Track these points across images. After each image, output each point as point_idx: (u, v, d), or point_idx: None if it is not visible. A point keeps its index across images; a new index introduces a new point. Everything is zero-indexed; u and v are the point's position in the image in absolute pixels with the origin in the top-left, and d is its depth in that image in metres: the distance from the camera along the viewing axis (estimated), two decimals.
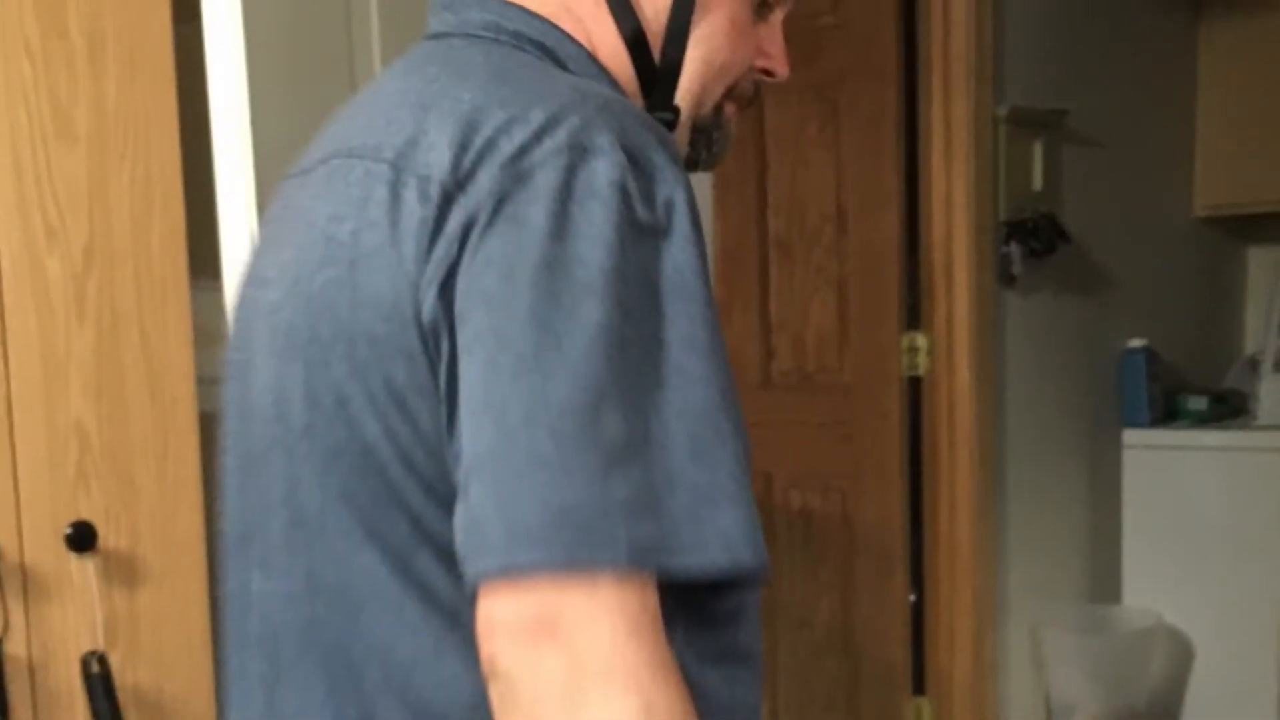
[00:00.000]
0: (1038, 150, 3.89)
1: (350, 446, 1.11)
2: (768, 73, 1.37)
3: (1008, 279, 3.79)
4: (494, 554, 0.99)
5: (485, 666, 1.00)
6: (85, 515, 2.00)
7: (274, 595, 1.21)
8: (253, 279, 1.26)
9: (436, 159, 1.08)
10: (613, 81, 1.26)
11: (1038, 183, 3.90)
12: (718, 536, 1.01)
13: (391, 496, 1.10)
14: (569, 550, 0.98)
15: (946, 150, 3.60)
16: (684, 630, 1.09)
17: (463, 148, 1.07)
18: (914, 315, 3.69)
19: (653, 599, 1.00)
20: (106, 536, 2.02)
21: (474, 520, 1.01)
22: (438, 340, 1.06)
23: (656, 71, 1.28)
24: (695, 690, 1.07)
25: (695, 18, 1.28)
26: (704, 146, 1.34)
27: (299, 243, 1.17)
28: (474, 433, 1.02)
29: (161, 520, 2.09)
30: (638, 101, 1.27)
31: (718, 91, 1.32)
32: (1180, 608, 4.28)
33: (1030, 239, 3.80)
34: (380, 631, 1.13)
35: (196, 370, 2.11)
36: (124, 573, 2.05)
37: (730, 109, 1.35)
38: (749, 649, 1.19)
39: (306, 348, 1.14)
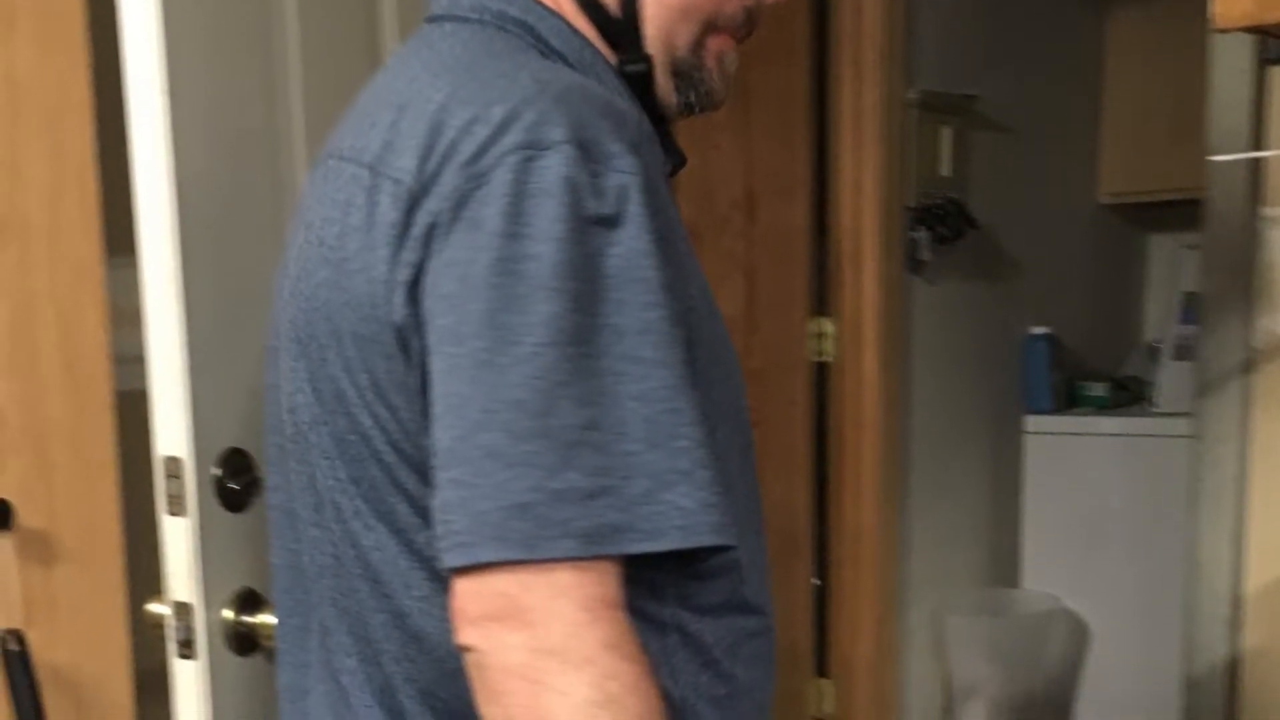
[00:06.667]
0: (947, 135, 3.90)
1: (351, 436, 1.20)
2: None
3: (915, 265, 3.80)
4: (459, 549, 1.06)
5: (460, 649, 1.08)
6: (1, 493, 1.96)
7: (314, 567, 1.31)
8: (282, 268, 1.34)
9: (405, 163, 1.13)
10: (593, 48, 1.29)
11: (946, 168, 3.90)
12: (676, 518, 1.07)
13: (391, 481, 1.18)
14: (527, 543, 1.04)
15: (856, 134, 3.59)
16: (677, 586, 1.19)
17: (428, 150, 1.12)
18: (822, 301, 3.69)
19: (612, 581, 1.07)
20: (24, 515, 1.98)
21: (442, 514, 1.07)
22: (411, 339, 1.12)
23: (616, 25, 1.30)
24: (696, 641, 1.21)
25: None
26: (690, 88, 1.35)
27: (301, 242, 1.25)
28: (440, 429, 1.08)
29: (79, 499, 2.05)
30: (612, 58, 1.31)
31: (688, 30, 1.33)
32: (1078, 592, 4.33)
33: (938, 225, 3.81)
34: (395, 605, 1.21)
35: (114, 349, 2.07)
36: (42, 551, 2.01)
37: (718, 43, 1.35)
38: (750, 599, 1.28)
39: (308, 344, 1.22)
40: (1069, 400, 4.49)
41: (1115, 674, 4.30)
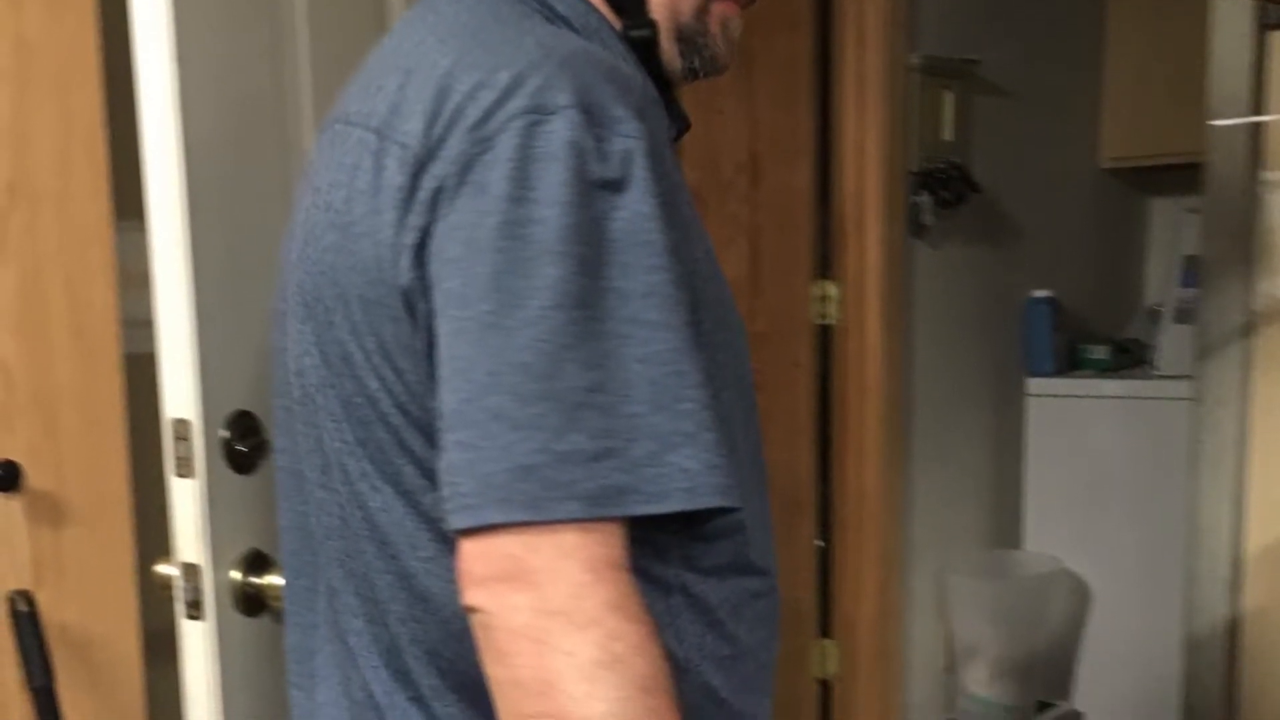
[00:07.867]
0: (949, 100, 3.89)
1: (358, 398, 1.21)
2: None
3: (918, 229, 3.80)
4: (466, 511, 1.06)
5: (465, 610, 1.08)
6: (10, 455, 1.97)
7: (321, 529, 1.32)
8: (289, 231, 1.34)
9: (412, 127, 1.14)
10: (598, 13, 1.30)
11: (948, 133, 3.90)
12: (681, 480, 1.07)
13: (397, 443, 1.19)
14: (533, 505, 1.04)
15: (859, 99, 3.60)
16: (681, 548, 1.20)
17: (434, 115, 1.13)
18: (825, 264, 3.70)
19: (616, 543, 1.07)
20: (32, 477, 1.99)
21: (448, 476, 1.08)
22: (417, 302, 1.13)
23: None
24: (700, 602, 1.22)
25: None
26: (694, 54, 1.35)
27: (308, 206, 1.26)
28: (447, 392, 1.08)
29: (87, 461, 2.06)
30: (617, 23, 1.31)
31: None
32: (1080, 553, 4.34)
33: (941, 189, 3.81)
34: (401, 566, 1.23)
35: (122, 312, 2.08)
36: (50, 513, 2.02)
37: (722, 8, 1.36)
38: (755, 561, 1.29)
39: (315, 307, 1.23)
40: (1070, 363, 4.50)
41: (1116, 635, 4.31)
